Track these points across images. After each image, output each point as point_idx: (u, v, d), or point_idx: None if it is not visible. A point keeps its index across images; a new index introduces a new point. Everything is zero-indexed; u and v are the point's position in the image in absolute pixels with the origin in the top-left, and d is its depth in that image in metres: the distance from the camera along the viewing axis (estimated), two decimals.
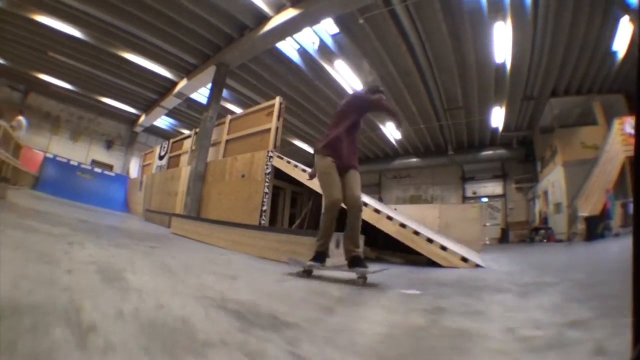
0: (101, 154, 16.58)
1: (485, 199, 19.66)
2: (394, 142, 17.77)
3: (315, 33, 9.75)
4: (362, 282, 2.58)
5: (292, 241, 3.47)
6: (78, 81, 13.29)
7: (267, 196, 5.36)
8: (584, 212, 10.66)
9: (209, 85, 10.49)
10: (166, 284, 1.60)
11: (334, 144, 3.03)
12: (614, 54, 10.83)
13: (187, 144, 9.40)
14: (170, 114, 15.16)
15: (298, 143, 17.37)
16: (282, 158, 5.53)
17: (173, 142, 10.43)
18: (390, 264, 4.19)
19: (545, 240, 13.12)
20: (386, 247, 5.02)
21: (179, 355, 0.79)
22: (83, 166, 11.74)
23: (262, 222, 5.37)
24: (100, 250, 2.24)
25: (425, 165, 19.46)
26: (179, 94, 12.61)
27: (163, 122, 16.67)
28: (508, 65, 11.20)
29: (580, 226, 10.57)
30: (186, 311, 1.16)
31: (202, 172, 7.70)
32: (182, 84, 12.13)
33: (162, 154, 10.55)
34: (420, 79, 11.66)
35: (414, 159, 19.06)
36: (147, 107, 15.10)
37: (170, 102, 13.45)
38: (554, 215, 14.01)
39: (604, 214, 9.89)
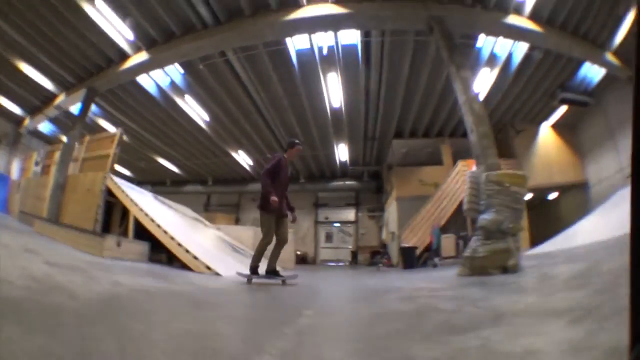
0: None
1: (337, 224, 22.63)
2: (247, 167, 19.95)
3: (166, 73, 12.14)
4: (283, 283, 4.54)
5: (94, 240, 6.10)
6: None
7: (100, 208, 7.41)
8: (406, 243, 11.62)
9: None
10: (12, 244, 5.05)
11: (276, 205, 4.41)
12: None
13: (57, 155, 10.63)
14: (53, 121, 16.59)
15: (161, 160, 19.72)
16: (112, 180, 7.87)
17: (48, 151, 11.78)
18: (174, 266, 6.34)
19: (381, 265, 13.94)
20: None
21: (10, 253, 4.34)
22: None
23: (96, 228, 7.02)
24: None
25: None
26: (58, 107, 14.25)
27: (46, 127, 17.82)
28: (344, 110, 12.89)
29: (400, 255, 11.55)
30: (9, 251, 4.68)
31: (62, 183, 9.31)
32: (61, 98, 13.71)
33: (38, 160, 11.84)
34: (260, 116, 14.01)
35: None
36: (32, 111, 16.08)
37: (52, 111, 14.92)
38: (391, 242, 15.22)
39: (429, 246, 10.76)
